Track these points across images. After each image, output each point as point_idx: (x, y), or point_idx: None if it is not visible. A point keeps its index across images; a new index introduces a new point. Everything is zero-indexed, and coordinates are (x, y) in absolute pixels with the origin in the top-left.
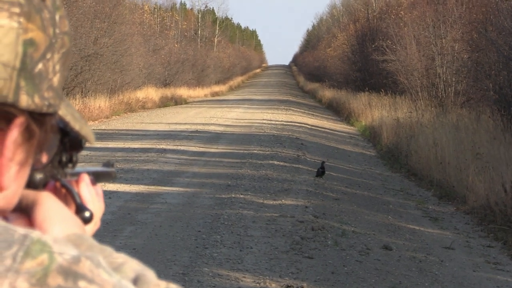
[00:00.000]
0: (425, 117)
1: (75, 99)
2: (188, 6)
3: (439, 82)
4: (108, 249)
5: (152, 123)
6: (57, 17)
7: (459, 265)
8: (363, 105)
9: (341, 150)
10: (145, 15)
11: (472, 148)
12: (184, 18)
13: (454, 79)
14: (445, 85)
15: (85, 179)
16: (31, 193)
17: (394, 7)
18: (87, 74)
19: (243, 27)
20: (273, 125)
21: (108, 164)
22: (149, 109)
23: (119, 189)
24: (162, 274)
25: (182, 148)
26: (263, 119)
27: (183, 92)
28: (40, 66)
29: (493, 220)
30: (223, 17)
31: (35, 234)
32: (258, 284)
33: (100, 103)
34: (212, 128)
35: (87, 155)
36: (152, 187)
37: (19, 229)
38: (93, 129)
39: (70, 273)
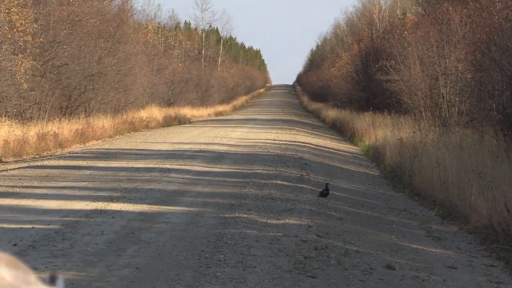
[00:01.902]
0: (428, 137)
1: (79, 118)
2: (192, 25)
3: (442, 102)
4: None
5: (156, 142)
6: None
7: (461, 284)
8: (366, 124)
9: (345, 170)
10: (149, 34)
11: (475, 168)
12: (188, 37)
13: (457, 99)
14: (449, 105)
15: None
16: None
17: (398, 27)
18: (91, 93)
19: (247, 46)
20: (276, 145)
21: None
22: (153, 128)
23: (122, 209)
24: None
25: (185, 167)
26: (267, 139)
27: (186, 111)
28: None
29: (495, 239)
30: (227, 37)
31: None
32: None
33: (104, 122)
34: (215, 147)
35: (90, 174)
36: (156, 206)
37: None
38: (97, 149)
39: None
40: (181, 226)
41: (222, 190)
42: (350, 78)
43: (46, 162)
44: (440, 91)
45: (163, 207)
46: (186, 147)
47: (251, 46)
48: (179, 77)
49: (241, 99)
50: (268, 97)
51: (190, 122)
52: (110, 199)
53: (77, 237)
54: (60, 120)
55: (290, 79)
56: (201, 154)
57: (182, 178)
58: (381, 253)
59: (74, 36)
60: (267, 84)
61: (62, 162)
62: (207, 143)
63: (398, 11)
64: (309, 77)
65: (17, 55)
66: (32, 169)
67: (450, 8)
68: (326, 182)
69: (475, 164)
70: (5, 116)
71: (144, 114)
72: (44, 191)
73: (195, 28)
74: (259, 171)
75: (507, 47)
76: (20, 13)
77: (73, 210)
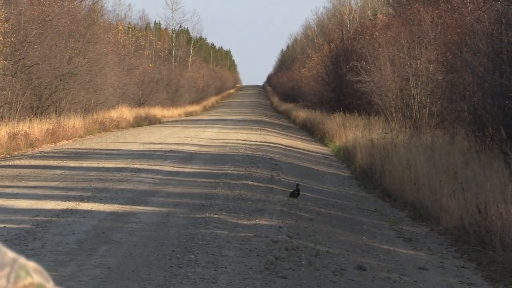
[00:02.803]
0: (399, 138)
1: (50, 118)
2: (162, 25)
3: (413, 103)
4: None
5: (126, 142)
6: None
7: (433, 285)
8: (337, 125)
9: (315, 171)
10: (120, 34)
11: (446, 169)
12: (158, 37)
13: (428, 100)
14: (419, 106)
15: None
16: None
17: (368, 28)
18: (62, 93)
19: (217, 47)
20: (247, 145)
21: None
22: (123, 128)
23: (93, 208)
24: None
25: (156, 167)
26: (237, 139)
27: (157, 111)
28: None
29: (467, 241)
30: (198, 37)
31: (21, 259)
32: None
33: (75, 122)
34: (186, 148)
35: (61, 174)
36: (127, 206)
37: (9, 252)
38: (67, 148)
39: None
40: (152, 226)
41: (193, 190)
42: (321, 79)
43: (17, 162)
44: (411, 92)
45: (134, 207)
46: (156, 147)
47: (222, 47)
48: (149, 77)
49: (212, 100)
50: (239, 98)
51: (160, 122)
52: (81, 199)
53: (48, 237)
54: (31, 119)
55: (261, 80)
56: (171, 154)
57: (152, 178)
58: (352, 254)
59: (45, 36)
60: (238, 85)
61: (33, 162)
62: (177, 143)
63: (369, 12)
64: (280, 77)
65: None
66: (3, 169)
67: (421, 9)
68: (297, 183)
69: (446, 165)
70: None
71: (114, 114)
72: (15, 190)
73: (166, 29)
74: (229, 171)
75: (478, 49)
76: None
77: (44, 209)
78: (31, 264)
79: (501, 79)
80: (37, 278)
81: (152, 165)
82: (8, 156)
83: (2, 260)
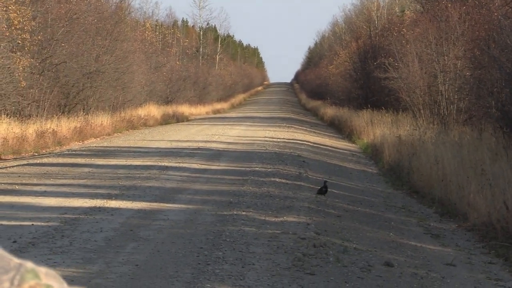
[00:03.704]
0: (427, 134)
1: (77, 116)
2: (190, 23)
3: (441, 99)
4: None
5: (154, 140)
6: None
7: (460, 281)
8: (365, 122)
9: (343, 168)
10: (147, 32)
11: (474, 165)
12: (185, 35)
13: (456, 97)
14: (447, 103)
15: None
16: None
17: (396, 25)
18: (89, 91)
19: (245, 44)
20: (275, 143)
21: None
22: (151, 126)
23: (121, 206)
24: None
25: (184, 165)
26: (265, 137)
27: (184, 109)
28: None
29: (494, 237)
30: (225, 35)
31: (29, 264)
32: None
33: (102, 120)
34: (214, 145)
35: (89, 172)
36: (154, 204)
37: (15, 258)
38: (95, 146)
39: None
40: (180, 224)
41: (221, 187)
42: (348, 76)
43: (45, 160)
44: (439, 88)
45: (161, 204)
46: (184, 145)
47: (249, 44)
48: (177, 75)
49: (239, 97)
50: (266, 95)
51: (188, 120)
52: (109, 197)
53: (76, 234)
54: (58, 118)
55: (288, 77)
56: (199, 152)
57: (180, 176)
58: (380, 250)
59: (72, 34)
60: (265, 82)
61: (61, 160)
62: (205, 141)
63: (397, 8)
64: (307, 75)
65: (15, 53)
66: (31, 167)
67: (449, 5)
68: (324, 179)
69: (474, 161)
70: (4, 114)
71: (142, 112)
72: (43, 188)
73: (193, 26)
74: (257, 168)
75: (506, 45)
76: (18, 11)
77: (72, 207)
78: (42, 269)
79: None
80: (46, 280)
81: (179, 162)
82: (36, 154)
83: (7, 266)
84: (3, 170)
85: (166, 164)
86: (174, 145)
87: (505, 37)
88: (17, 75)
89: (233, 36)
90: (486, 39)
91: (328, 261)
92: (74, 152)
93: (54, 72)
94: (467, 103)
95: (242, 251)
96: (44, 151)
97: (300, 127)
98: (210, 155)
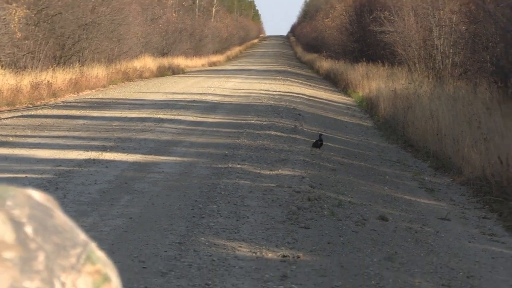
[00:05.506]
0: (422, 88)
1: (73, 68)
2: None
3: (436, 53)
4: None
5: (150, 92)
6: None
7: (454, 236)
8: (360, 76)
9: (338, 121)
10: None
11: (469, 119)
12: None
13: (451, 51)
14: (443, 57)
15: None
16: None
17: None
18: (85, 42)
19: None
20: (270, 96)
21: None
22: (147, 78)
23: (116, 158)
24: (158, 243)
25: (179, 117)
26: (261, 90)
27: (180, 61)
28: None
29: (488, 191)
30: None
31: (93, 244)
32: (254, 254)
33: (98, 72)
34: (209, 98)
35: (84, 124)
36: (149, 156)
37: (82, 234)
38: (90, 98)
39: None
40: (175, 176)
41: (216, 140)
42: (344, 29)
43: (39, 112)
44: (434, 42)
45: (156, 157)
46: (180, 97)
47: None
48: (173, 27)
49: (235, 50)
50: (262, 48)
51: (184, 72)
52: (104, 149)
53: (70, 187)
54: (53, 69)
55: (284, 30)
56: (194, 104)
57: (175, 128)
58: (374, 204)
59: None
60: (261, 35)
61: (55, 112)
62: (200, 93)
63: None
64: (303, 28)
65: (11, 4)
66: (25, 118)
67: None
68: (320, 133)
69: (469, 115)
70: None
71: (137, 64)
72: (37, 140)
73: None
74: (252, 121)
75: None
76: None
77: (66, 159)
78: (101, 254)
79: None
80: (105, 269)
81: (175, 115)
82: (31, 105)
83: (76, 239)
84: None
85: (161, 116)
86: (170, 97)
87: None
88: (12, 26)
89: None
90: None
91: (322, 214)
92: (69, 104)
93: (50, 24)
94: (462, 58)
95: (237, 204)
96: (38, 102)
97: (296, 80)
98: (206, 108)
